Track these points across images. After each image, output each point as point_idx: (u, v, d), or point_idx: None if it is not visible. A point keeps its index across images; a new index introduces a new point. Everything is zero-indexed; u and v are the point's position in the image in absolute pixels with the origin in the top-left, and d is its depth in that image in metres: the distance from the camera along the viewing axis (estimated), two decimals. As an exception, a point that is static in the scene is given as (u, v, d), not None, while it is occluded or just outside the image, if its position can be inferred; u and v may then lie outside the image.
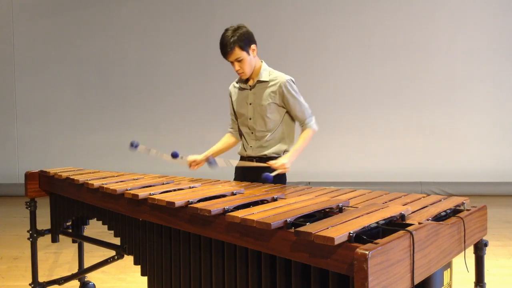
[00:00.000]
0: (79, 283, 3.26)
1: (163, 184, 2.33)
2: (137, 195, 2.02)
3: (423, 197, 1.88)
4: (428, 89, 7.15)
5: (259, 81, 2.60)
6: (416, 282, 1.30)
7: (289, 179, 2.68)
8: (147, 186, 2.25)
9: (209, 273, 1.73)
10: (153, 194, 1.99)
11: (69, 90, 7.76)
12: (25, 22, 7.75)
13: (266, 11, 7.39)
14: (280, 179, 2.56)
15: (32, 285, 3.02)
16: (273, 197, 1.88)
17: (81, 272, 3.13)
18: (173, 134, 7.35)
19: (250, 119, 2.64)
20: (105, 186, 2.28)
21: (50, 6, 7.75)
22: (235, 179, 2.73)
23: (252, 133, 2.66)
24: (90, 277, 3.29)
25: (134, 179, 2.52)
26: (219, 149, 2.83)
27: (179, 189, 2.15)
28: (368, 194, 1.99)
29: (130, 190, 2.12)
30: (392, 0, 7.20)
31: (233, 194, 2.01)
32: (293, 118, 2.66)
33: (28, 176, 3.02)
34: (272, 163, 2.44)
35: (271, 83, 2.58)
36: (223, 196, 1.96)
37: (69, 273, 3.21)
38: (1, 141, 7.84)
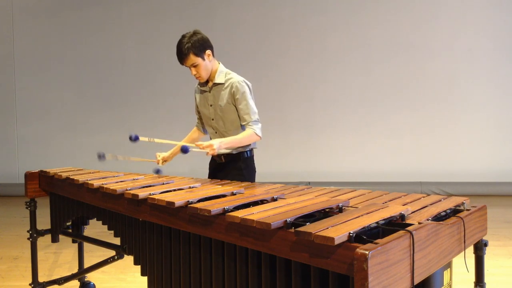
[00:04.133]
0: (79, 283, 3.26)
1: (163, 184, 2.33)
2: (137, 195, 2.02)
3: (423, 197, 1.88)
4: (428, 89, 7.15)
5: (216, 84, 2.70)
6: (416, 282, 1.31)
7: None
8: (147, 186, 2.25)
9: (209, 273, 1.73)
10: (153, 194, 1.99)
11: (69, 90, 7.76)
12: (25, 22, 7.75)
13: (266, 11, 7.38)
14: (248, 175, 2.71)
15: (32, 285, 3.02)
16: (273, 197, 1.88)
17: (81, 272, 3.12)
18: (172, 134, 7.34)
19: (212, 119, 2.77)
20: (105, 186, 2.28)
21: (50, 6, 7.75)
22: (208, 177, 2.86)
23: (216, 132, 2.79)
24: (90, 277, 3.29)
25: (134, 179, 2.52)
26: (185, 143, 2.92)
27: (179, 189, 2.15)
28: (368, 194, 1.99)
29: (130, 190, 2.12)
30: (392, 0, 7.20)
31: (233, 194, 2.01)
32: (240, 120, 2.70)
33: (28, 176, 3.03)
34: (200, 143, 2.48)
35: (226, 85, 2.68)
36: (223, 196, 1.96)
37: (69, 273, 3.21)
38: (1, 141, 7.83)
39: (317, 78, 7.34)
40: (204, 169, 2.96)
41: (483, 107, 7.09)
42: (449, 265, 1.57)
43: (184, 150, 2.44)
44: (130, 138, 2.64)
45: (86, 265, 3.10)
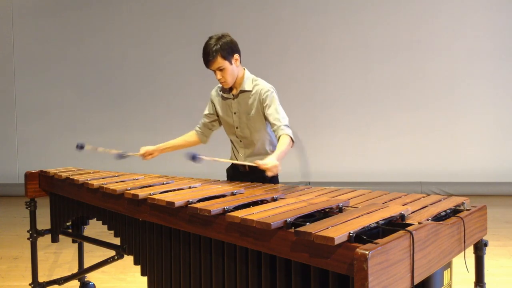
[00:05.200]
0: (79, 283, 3.26)
1: (163, 184, 2.33)
2: (137, 195, 2.02)
3: (423, 197, 1.88)
4: (429, 89, 7.15)
5: (242, 91, 2.56)
6: (416, 282, 1.31)
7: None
8: (147, 186, 2.25)
9: (209, 273, 1.73)
10: (153, 194, 1.99)
11: (69, 90, 7.76)
12: (25, 22, 7.75)
13: (266, 11, 7.38)
14: (272, 179, 2.53)
15: (32, 285, 3.02)
16: (273, 197, 1.88)
17: (81, 272, 3.13)
18: (173, 134, 7.33)
19: (237, 128, 2.62)
20: (105, 186, 2.28)
21: (50, 6, 7.75)
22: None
23: (240, 141, 2.65)
24: (90, 277, 3.29)
25: (134, 179, 2.52)
26: (177, 144, 2.82)
27: (179, 189, 2.15)
28: (368, 194, 1.99)
29: (130, 190, 2.12)
30: (392, 0, 7.20)
31: (233, 194, 2.01)
32: (271, 127, 2.55)
33: (28, 176, 3.02)
34: (261, 163, 2.21)
35: (253, 92, 2.54)
36: (223, 196, 1.96)
37: (69, 273, 3.21)
38: (1, 141, 7.83)
39: (317, 78, 7.34)
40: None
41: (483, 107, 7.09)
42: (449, 265, 1.57)
43: (193, 158, 2.16)
44: (77, 146, 2.71)
45: (86, 265, 3.10)
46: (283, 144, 2.39)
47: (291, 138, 2.43)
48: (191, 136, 2.83)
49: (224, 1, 7.43)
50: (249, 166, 2.51)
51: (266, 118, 2.54)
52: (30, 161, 7.59)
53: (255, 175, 2.51)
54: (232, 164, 2.71)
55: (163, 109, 7.56)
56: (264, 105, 2.51)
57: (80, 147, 2.83)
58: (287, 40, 7.33)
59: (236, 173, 2.68)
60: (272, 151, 2.52)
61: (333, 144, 7.29)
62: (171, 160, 6.37)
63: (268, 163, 2.18)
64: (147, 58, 7.59)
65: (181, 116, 7.47)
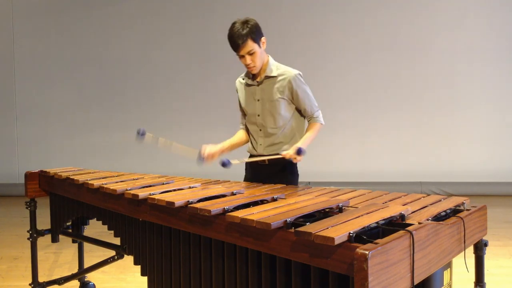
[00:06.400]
0: (79, 283, 3.26)
1: (163, 184, 2.33)
2: (137, 195, 2.02)
3: (423, 197, 1.88)
4: (429, 89, 7.15)
5: (267, 77, 2.51)
6: (416, 282, 1.31)
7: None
8: (147, 186, 2.25)
9: (209, 273, 1.73)
10: (153, 194, 1.99)
11: (69, 90, 7.76)
12: (25, 22, 7.75)
13: (267, 9, 7.38)
14: (292, 180, 2.54)
15: (32, 285, 3.02)
16: (273, 197, 1.88)
17: (81, 272, 3.13)
18: (173, 134, 7.35)
19: (258, 115, 2.57)
20: (105, 186, 2.28)
21: (50, 6, 7.75)
22: (245, 179, 2.68)
23: (260, 130, 2.59)
24: (90, 277, 3.29)
25: (134, 179, 2.52)
26: (233, 143, 2.73)
27: (179, 189, 2.15)
28: (368, 194, 1.99)
29: (130, 190, 2.12)
30: (392, 0, 7.20)
31: (233, 194, 2.01)
32: (302, 114, 2.60)
33: (28, 176, 3.03)
34: (284, 153, 2.39)
35: (279, 78, 2.50)
36: (223, 196, 1.96)
37: (69, 273, 3.21)
38: (1, 141, 7.83)
39: (317, 77, 7.33)
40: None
41: (483, 107, 7.09)
42: (449, 265, 1.57)
43: (223, 164, 2.14)
44: (138, 133, 2.53)
45: (86, 265, 3.10)
46: (311, 131, 2.56)
47: (321, 123, 2.60)
48: (241, 133, 2.76)
49: (224, 2, 7.44)
50: (268, 159, 2.52)
51: (296, 105, 2.54)
52: (30, 161, 7.59)
53: (274, 169, 2.53)
54: (251, 156, 2.66)
55: (163, 109, 7.56)
56: (294, 90, 2.49)
57: (141, 133, 2.58)
58: (287, 39, 7.33)
59: (254, 165, 2.63)
60: (297, 141, 2.54)
61: (333, 144, 7.28)
62: (171, 160, 6.37)
63: (290, 151, 2.38)
64: (147, 58, 7.60)
65: (182, 115, 7.48)
